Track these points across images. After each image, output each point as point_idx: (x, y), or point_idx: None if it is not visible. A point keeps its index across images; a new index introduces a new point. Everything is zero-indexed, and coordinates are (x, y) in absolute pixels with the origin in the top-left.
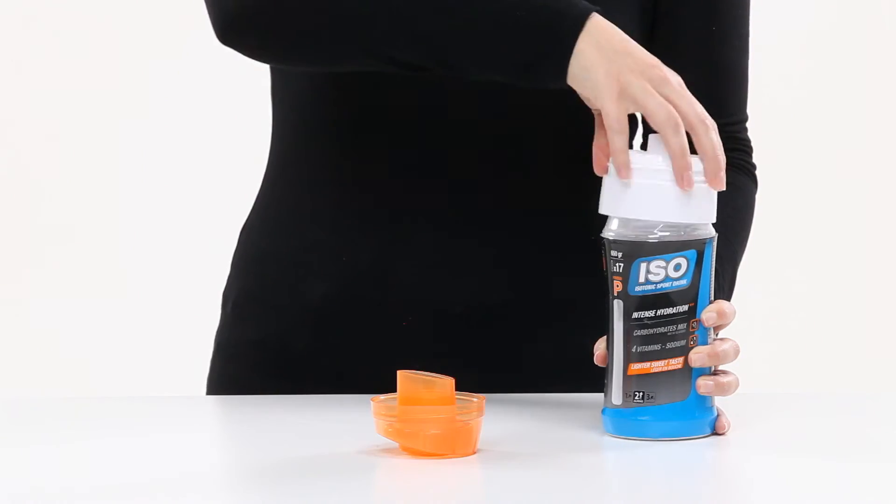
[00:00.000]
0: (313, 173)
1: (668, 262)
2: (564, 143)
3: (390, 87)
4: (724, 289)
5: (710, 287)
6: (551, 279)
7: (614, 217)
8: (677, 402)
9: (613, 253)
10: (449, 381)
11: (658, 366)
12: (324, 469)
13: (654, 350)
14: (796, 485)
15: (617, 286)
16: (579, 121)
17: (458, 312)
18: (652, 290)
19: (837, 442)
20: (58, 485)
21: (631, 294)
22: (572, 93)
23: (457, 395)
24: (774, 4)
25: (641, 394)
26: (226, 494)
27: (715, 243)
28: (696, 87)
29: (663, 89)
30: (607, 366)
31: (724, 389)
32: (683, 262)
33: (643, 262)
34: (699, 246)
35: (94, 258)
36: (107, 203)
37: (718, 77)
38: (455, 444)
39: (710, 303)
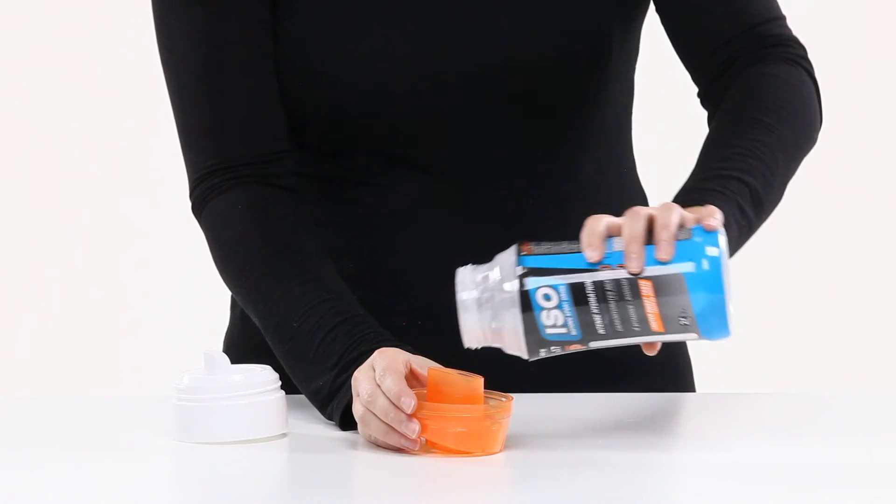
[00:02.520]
0: (319, 178)
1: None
2: (566, 148)
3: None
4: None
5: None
6: None
7: None
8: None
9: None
10: (479, 380)
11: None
12: (344, 465)
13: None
14: (796, 484)
15: None
16: (583, 126)
17: None
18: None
19: (837, 442)
20: (64, 481)
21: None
22: (574, 109)
23: (486, 393)
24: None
25: None
26: (240, 493)
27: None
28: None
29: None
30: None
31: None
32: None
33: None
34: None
35: (103, 258)
36: (117, 199)
37: None
38: (481, 442)
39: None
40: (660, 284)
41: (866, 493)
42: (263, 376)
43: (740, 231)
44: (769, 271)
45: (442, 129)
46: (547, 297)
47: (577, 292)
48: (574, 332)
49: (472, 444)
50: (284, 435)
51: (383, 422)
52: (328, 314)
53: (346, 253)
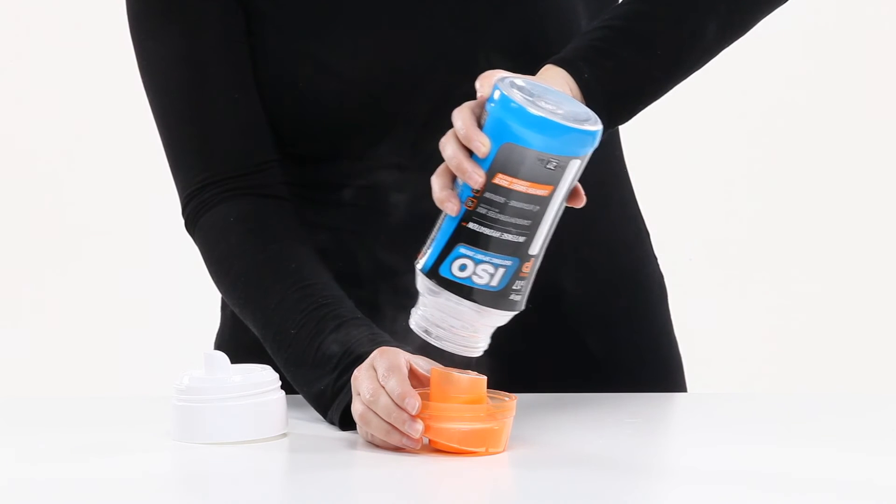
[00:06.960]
0: (307, 185)
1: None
2: None
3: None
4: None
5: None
6: (554, 282)
7: None
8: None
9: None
10: (481, 380)
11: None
12: (344, 465)
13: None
14: (797, 484)
15: None
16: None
17: None
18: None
19: (836, 442)
20: (65, 481)
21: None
22: None
23: (489, 393)
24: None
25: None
26: (240, 493)
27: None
28: None
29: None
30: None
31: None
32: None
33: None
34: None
35: (95, 260)
36: (108, 204)
37: None
38: (484, 442)
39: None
40: (507, 166)
41: (862, 495)
42: (263, 377)
43: (605, 69)
44: (765, 271)
45: (426, 127)
46: (462, 268)
47: (472, 238)
48: (509, 263)
49: (474, 444)
50: (284, 435)
51: (385, 421)
52: (325, 319)
53: (340, 255)
